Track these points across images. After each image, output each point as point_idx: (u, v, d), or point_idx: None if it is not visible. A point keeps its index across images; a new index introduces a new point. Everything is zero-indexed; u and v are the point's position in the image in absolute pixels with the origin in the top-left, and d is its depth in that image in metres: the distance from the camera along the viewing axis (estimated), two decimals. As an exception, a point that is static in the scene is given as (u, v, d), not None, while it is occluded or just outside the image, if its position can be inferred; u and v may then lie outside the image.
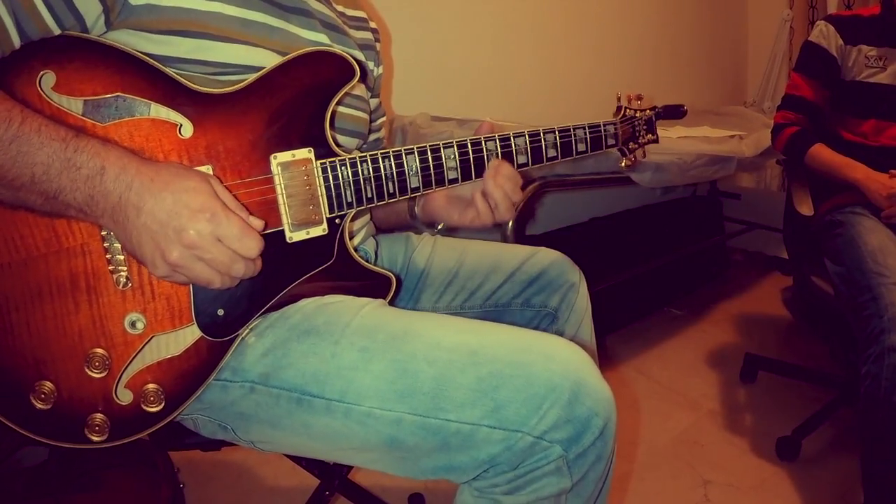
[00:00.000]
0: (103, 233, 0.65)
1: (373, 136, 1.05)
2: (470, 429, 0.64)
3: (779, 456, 1.54)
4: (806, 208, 1.51)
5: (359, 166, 0.75)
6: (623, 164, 0.99)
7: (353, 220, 0.89)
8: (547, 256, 1.00)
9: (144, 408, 0.68)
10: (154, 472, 1.30)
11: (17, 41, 0.62)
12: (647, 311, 2.44)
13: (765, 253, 2.87)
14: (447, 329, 0.70)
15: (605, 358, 2.05)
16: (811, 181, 1.58)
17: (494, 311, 1.00)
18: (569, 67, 2.40)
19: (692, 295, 2.64)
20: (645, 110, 1.01)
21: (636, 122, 0.99)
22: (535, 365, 0.64)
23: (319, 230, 0.74)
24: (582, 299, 1.00)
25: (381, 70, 1.05)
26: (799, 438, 1.54)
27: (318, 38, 0.84)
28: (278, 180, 0.71)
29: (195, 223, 0.60)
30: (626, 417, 1.74)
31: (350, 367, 0.67)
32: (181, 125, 0.67)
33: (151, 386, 0.68)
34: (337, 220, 0.75)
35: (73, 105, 0.63)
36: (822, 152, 1.52)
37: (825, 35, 1.56)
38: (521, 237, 1.37)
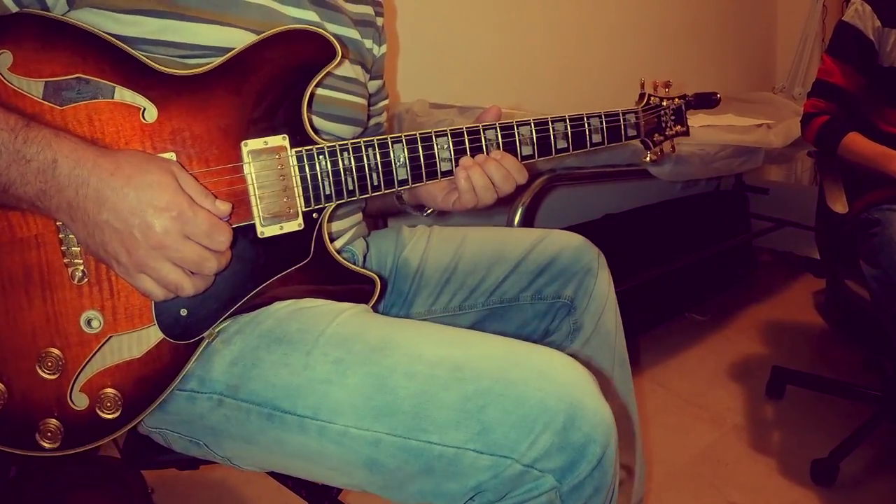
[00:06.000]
0: (59, 223, 0.65)
1: (373, 122, 1.04)
2: (454, 452, 0.62)
3: (814, 480, 1.52)
4: (840, 205, 1.47)
5: (339, 156, 0.75)
6: (647, 158, 0.97)
7: (341, 218, 0.89)
8: (558, 240, 0.98)
9: (100, 414, 0.67)
10: (126, 493, 1.30)
11: None
12: (666, 317, 2.43)
13: (795, 253, 2.85)
14: (431, 340, 0.68)
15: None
16: (845, 175, 1.56)
17: (500, 308, 0.97)
18: (582, 51, 2.39)
19: (716, 299, 2.62)
20: (673, 98, 0.98)
21: (662, 112, 0.97)
22: (527, 383, 0.63)
23: (294, 225, 0.73)
24: (602, 284, 0.97)
25: (383, 49, 1.03)
26: (836, 461, 1.52)
27: (306, 16, 0.83)
28: (248, 169, 0.70)
29: (161, 221, 0.61)
30: (644, 432, 1.72)
31: (323, 381, 0.66)
32: (144, 109, 0.67)
33: (109, 390, 0.68)
34: (314, 215, 0.75)
35: (32, 87, 0.63)
36: (856, 142, 1.50)
37: (861, 15, 1.53)
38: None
